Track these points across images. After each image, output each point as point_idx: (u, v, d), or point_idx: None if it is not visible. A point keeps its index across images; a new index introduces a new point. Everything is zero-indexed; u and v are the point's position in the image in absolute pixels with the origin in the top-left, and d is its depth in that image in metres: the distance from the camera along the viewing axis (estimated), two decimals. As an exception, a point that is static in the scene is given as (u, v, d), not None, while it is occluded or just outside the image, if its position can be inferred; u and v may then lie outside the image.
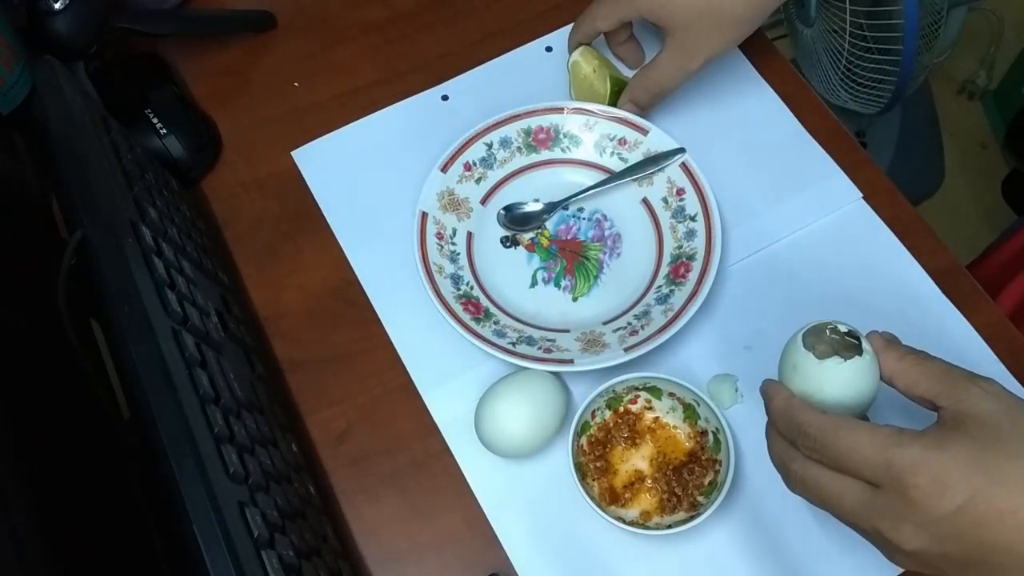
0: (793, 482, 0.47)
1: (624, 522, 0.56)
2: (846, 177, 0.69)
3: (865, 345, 0.48)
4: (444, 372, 0.64)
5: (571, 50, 0.72)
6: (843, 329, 0.49)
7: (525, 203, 0.69)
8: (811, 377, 0.48)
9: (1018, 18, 1.72)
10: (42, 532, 0.45)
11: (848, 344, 0.49)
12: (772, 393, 0.48)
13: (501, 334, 0.63)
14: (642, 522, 0.57)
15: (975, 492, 0.39)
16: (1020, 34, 1.71)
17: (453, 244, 0.67)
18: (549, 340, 0.63)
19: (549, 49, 0.77)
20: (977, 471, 0.40)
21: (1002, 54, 1.68)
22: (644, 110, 0.69)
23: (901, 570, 0.56)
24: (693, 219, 0.66)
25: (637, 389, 0.60)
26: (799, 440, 0.46)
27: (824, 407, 0.47)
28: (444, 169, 0.69)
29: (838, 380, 0.47)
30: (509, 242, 0.69)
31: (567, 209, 0.70)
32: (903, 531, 0.41)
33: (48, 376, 0.54)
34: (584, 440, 0.60)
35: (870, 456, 0.42)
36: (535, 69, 0.76)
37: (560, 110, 0.70)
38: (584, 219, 0.69)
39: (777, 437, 0.48)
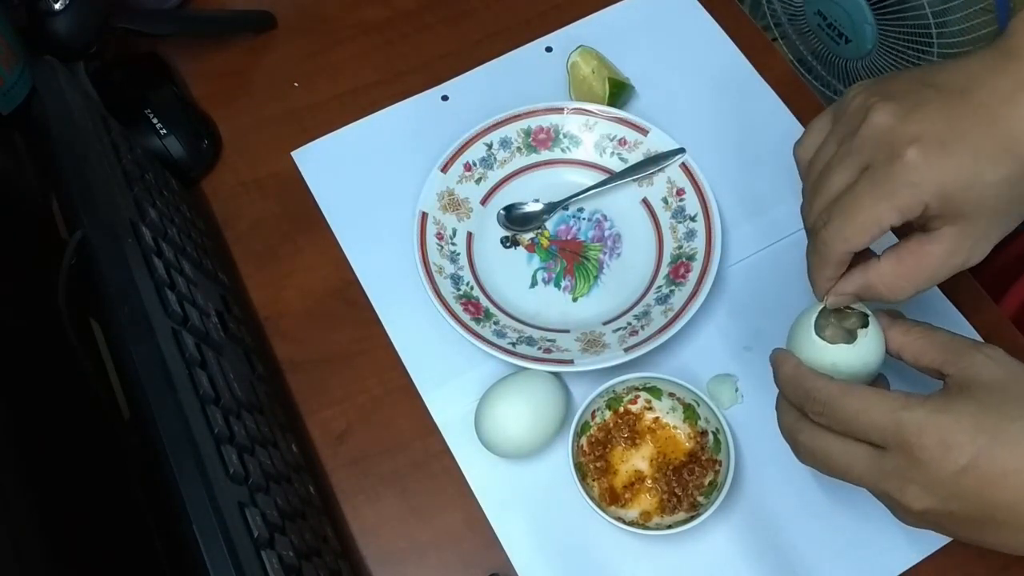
0: (802, 454, 0.48)
1: (624, 522, 0.56)
2: (846, 177, 0.69)
3: (870, 316, 0.48)
4: (444, 372, 0.64)
5: (820, 295, 0.50)
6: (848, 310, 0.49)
7: (525, 203, 0.69)
8: (823, 359, 0.48)
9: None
10: (42, 532, 0.45)
11: (851, 316, 0.49)
12: (780, 360, 0.49)
13: (501, 334, 0.63)
14: (642, 522, 0.57)
15: (979, 452, 0.40)
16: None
17: (453, 244, 0.67)
18: (549, 340, 0.63)
19: (549, 49, 0.77)
20: (981, 432, 0.41)
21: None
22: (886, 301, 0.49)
23: (899, 572, 0.57)
24: (693, 219, 0.66)
25: (637, 389, 0.60)
26: (807, 405, 0.46)
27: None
28: (444, 169, 0.69)
29: (848, 359, 0.48)
30: (509, 242, 0.69)
31: (567, 209, 0.70)
32: (910, 491, 0.42)
33: (48, 376, 0.54)
34: (584, 440, 0.60)
35: (879, 418, 0.43)
36: (535, 69, 0.76)
37: (560, 110, 0.70)
38: (584, 219, 0.69)
39: (786, 408, 0.49)
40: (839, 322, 0.50)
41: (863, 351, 0.48)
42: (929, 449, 0.41)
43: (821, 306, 0.50)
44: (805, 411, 0.46)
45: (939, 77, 0.45)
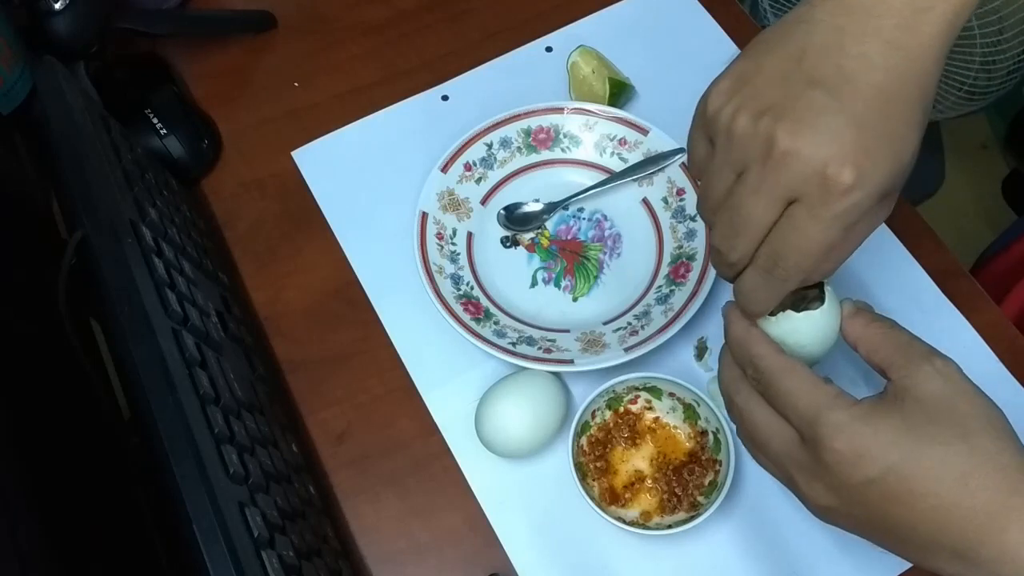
0: (733, 414, 0.48)
1: (624, 522, 0.56)
2: (846, 177, 0.69)
3: (828, 291, 0.47)
4: (444, 372, 0.64)
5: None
6: None
7: (525, 203, 0.69)
8: (773, 328, 0.47)
9: (1018, 17, 1.72)
10: (42, 532, 0.45)
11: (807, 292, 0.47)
12: (733, 318, 0.47)
13: (501, 334, 0.63)
14: (642, 522, 0.57)
15: (889, 469, 0.40)
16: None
17: (453, 244, 0.67)
18: (549, 340, 0.63)
19: (549, 49, 0.77)
20: (896, 449, 0.40)
21: (1002, 54, 1.68)
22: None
23: (898, 572, 0.57)
24: (693, 219, 0.66)
25: (637, 389, 0.60)
26: (748, 369, 0.46)
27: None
28: (444, 169, 0.69)
29: (799, 330, 0.47)
30: (509, 242, 0.69)
31: (567, 209, 0.70)
32: (814, 487, 0.43)
33: (49, 376, 0.54)
34: (584, 440, 0.60)
35: (802, 407, 0.42)
36: (535, 69, 0.76)
37: (560, 110, 0.70)
38: (584, 219, 0.69)
39: (729, 364, 0.48)
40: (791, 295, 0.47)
41: (815, 324, 0.46)
42: (840, 454, 0.40)
43: None
44: (745, 372, 0.46)
45: (812, 66, 0.40)
